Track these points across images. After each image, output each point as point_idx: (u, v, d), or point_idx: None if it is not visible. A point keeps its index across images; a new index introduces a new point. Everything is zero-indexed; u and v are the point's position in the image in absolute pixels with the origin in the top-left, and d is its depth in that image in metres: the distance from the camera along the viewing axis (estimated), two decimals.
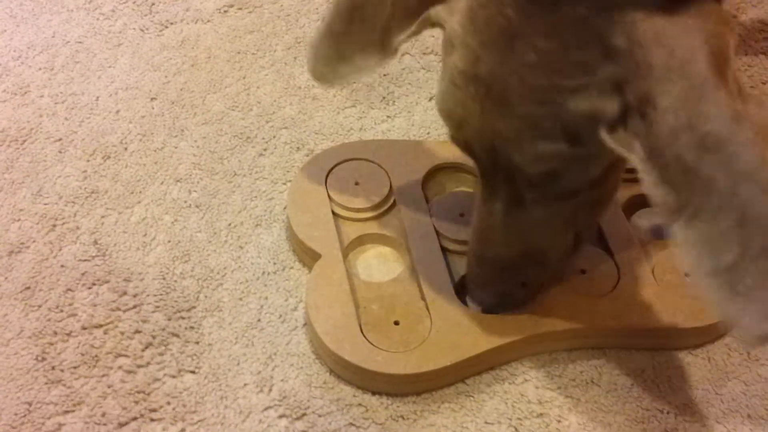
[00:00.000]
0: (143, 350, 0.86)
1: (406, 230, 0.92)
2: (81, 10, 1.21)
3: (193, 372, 0.84)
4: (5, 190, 0.99)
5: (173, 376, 0.84)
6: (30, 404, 0.81)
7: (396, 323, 0.84)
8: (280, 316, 0.89)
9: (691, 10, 0.64)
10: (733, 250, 0.63)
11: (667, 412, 0.82)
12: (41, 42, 1.17)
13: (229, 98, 1.10)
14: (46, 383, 0.83)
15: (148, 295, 0.90)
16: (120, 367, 0.84)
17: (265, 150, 1.04)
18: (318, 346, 0.85)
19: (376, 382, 0.82)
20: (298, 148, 1.05)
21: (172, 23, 1.20)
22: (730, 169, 0.62)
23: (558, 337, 0.85)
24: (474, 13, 0.69)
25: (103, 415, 0.81)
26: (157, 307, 0.89)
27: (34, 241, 0.94)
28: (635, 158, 0.65)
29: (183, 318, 0.88)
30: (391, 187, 0.95)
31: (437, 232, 0.91)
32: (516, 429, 0.81)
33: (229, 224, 0.97)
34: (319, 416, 0.81)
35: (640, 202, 0.96)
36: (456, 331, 0.83)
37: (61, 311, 0.88)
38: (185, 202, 0.99)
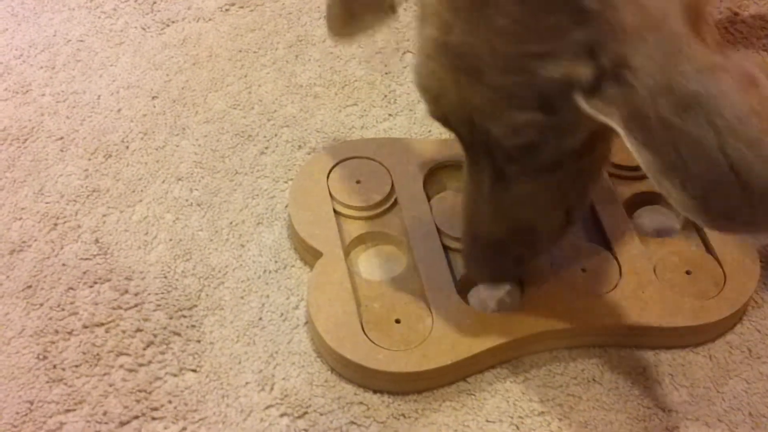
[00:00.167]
0: (144, 349, 0.86)
1: (408, 228, 0.92)
2: (82, 8, 1.21)
3: (194, 371, 0.84)
4: (7, 188, 0.99)
5: (174, 375, 0.84)
6: (31, 403, 0.82)
7: (397, 321, 0.84)
8: (282, 314, 0.89)
9: None
10: (725, 199, 0.62)
11: (669, 411, 0.82)
12: (43, 41, 1.17)
13: (231, 97, 1.10)
14: (47, 382, 0.83)
15: (149, 294, 0.90)
16: (121, 366, 0.84)
17: (266, 148, 1.04)
18: (319, 344, 0.85)
19: (377, 381, 0.82)
20: (299, 146, 1.05)
21: (173, 22, 1.20)
22: (714, 125, 0.60)
23: (559, 335, 0.85)
24: None
25: (105, 413, 0.81)
26: (159, 305, 0.89)
27: (35, 240, 0.94)
28: (615, 124, 0.63)
29: (184, 316, 0.88)
30: (392, 185, 0.95)
31: (438, 231, 0.91)
32: (517, 427, 0.81)
33: (231, 223, 0.97)
34: (321, 415, 0.81)
35: (641, 200, 0.96)
36: (457, 329, 0.83)
37: (63, 310, 0.88)
38: (186, 200, 0.99)
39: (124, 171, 1.01)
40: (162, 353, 0.85)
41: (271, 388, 0.83)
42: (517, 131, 0.69)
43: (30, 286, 0.90)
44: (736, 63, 0.62)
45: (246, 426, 0.81)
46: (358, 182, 0.96)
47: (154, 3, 1.22)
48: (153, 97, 1.10)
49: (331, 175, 0.96)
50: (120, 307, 0.88)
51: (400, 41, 1.17)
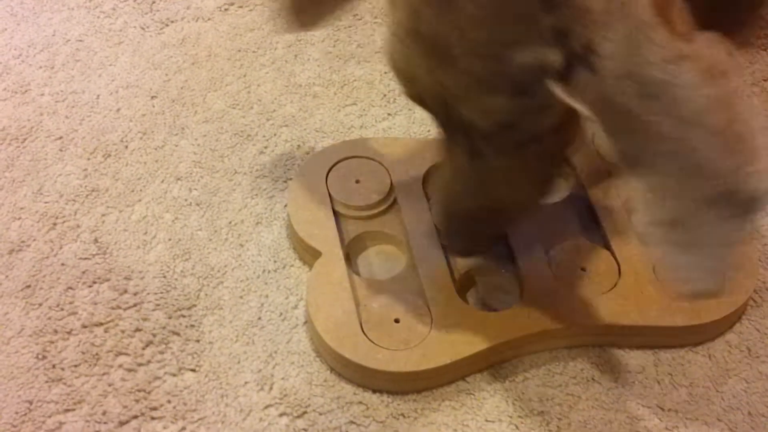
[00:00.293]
0: (144, 348, 0.86)
1: (407, 228, 0.92)
2: (81, 8, 1.21)
3: (193, 370, 0.84)
4: (6, 188, 0.99)
5: (174, 375, 0.84)
6: (30, 403, 0.82)
7: (396, 321, 0.84)
8: (281, 314, 0.89)
9: None
10: (682, 198, 0.61)
11: (668, 410, 0.82)
12: (42, 40, 1.17)
13: (230, 96, 1.10)
14: (46, 382, 0.83)
15: (148, 294, 0.90)
16: (120, 366, 0.84)
17: (265, 148, 1.04)
18: (318, 344, 0.85)
19: (376, 380, 0.82)
20: (298, 146, 1.04)
21: (172, 21, 1.20)
22: (677, 115, 0.60)
23: (558, 334, 0.85)
24: None
25: (104, 413, 0.81)
26: (158, 305, 0.89)
27: (34, 240, 0.94)
28: (584, 109, 0.63)
29: (183, 316, 0.88)
30: (391, 184, 0.95)
31: (438, 230, 0.91)
32: (517, 427, 0.81)
33: (230, 222, 0.97)
34: (320, 414, 0.81)
35: None
36: (456, 329, 0.83)
37: (62, 309, 0.88)
38: (186, 200, 0.99)
39: (123, 170, 1.01)
40: (161, 353, 0.85)
41: (271, 388, 0.83)
42: (492, 114, 0.69)
43: (29, 286, 0.90)
44: (704, 52, 0.61)
45: (245, 425, 0.81)
46: (357, 182, 0.96)
47: (153, 3, 1.22)
48: (152, 97, 1.10)
49: (330, 174, 0.96)
50: (119, 307, 0.88)
51: None
